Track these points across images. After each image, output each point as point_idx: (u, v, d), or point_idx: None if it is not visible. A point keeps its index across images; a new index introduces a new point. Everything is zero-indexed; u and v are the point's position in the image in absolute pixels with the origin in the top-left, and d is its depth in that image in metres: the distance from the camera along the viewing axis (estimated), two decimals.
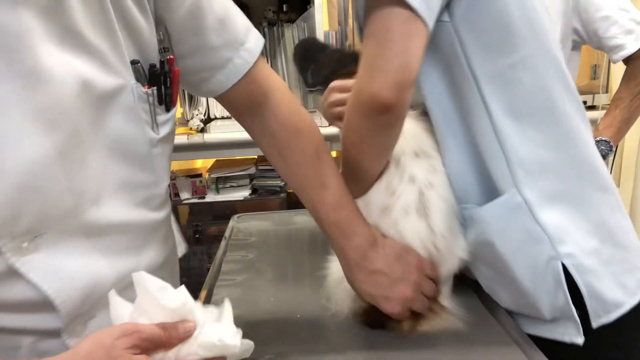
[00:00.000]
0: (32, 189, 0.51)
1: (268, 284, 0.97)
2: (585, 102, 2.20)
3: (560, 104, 0.73)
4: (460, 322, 0.77)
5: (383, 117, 0.66)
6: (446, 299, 0.80)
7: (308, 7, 2.10)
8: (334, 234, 0.75)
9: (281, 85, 0.79)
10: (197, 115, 2.12)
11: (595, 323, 0.73)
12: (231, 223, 1.36)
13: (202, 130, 2.12)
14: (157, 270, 0.66)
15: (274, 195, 2.28)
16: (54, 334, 0.57)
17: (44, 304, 0.54)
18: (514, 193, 0.72)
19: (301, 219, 1.34)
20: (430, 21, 0.64)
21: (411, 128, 0.80)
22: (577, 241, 0.73)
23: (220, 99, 0.76)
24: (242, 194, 2.27)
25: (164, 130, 0.66)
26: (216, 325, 0.55)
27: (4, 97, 0.48)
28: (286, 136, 0.77)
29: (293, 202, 2.31)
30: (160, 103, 0.65)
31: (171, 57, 0.66)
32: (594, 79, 2.28)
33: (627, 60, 1.39)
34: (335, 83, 0.90)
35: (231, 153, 2.16)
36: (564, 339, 0.75)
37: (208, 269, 1.08)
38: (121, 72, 0.58)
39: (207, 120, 2.15)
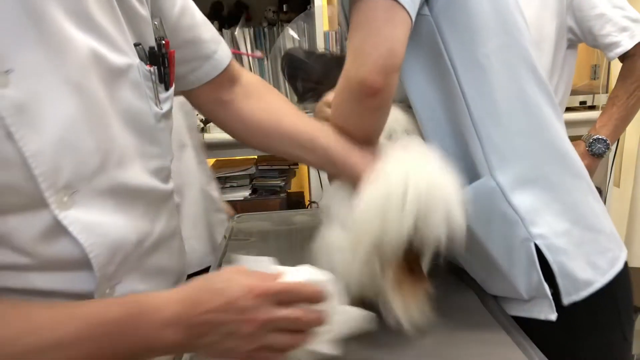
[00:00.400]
0: (68, 144, 0.55)
1: None
2: (585, 102, 2.20)
3: (532, 94, 0.77)
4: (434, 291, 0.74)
5: (371, 101, 0.70)
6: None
7: (308, 7, 2.11)
8: None
9: (249, 75, 0.90)
10: (197, 115, 2.13)
11: (566, 300, 0.77)
12: (231, 223, 1.36)
13: (202, 130, 2.13)
14: (169, 240, 0.73)
15: (274, 195, 2.28)
16: (86, 297, 0.59)
17: (80, 262, 0.57)
18: (488, 177, 0.76)
19: (301, 219, 1.34)
20: (412, 11, 0.68)
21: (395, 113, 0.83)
22: (549, 223, 0.77)
23: (199, 92, 0.84)
24: (242, 194, 2.27)
25: (165, 107, 0.72)
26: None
27: (39, 63, 0.53)
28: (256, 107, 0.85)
29: (293, 202, 2.32)
30: (160, 82, 0.70)
31: (167, 40, 0.72)
32: (594, 79, 2.28)
33: (623, 58, 1.40)
34: (329, 97, 0.92)
35: (231, 153, 2.17)
36: (540, 317, 0.78)
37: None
38: (127, 52, 0.64)
39: (207, 120, 2.16)
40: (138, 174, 0.65)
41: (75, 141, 0.56)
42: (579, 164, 0.82)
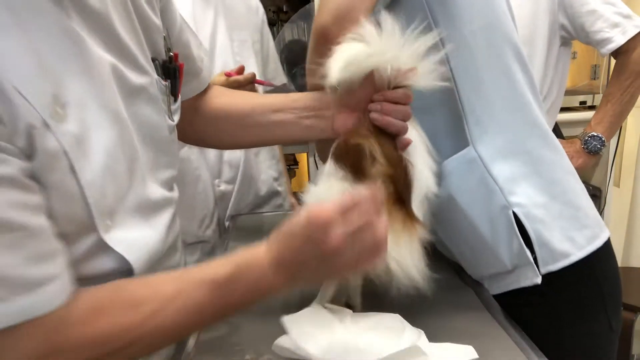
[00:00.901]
0: (110, 170, 0.57)
1: None
2: (585, 102, 2.20)
3: (515, 72, 0.80)
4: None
5: (323, 48, 0.71)
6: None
7: (308, 6, 2.12)
8: None
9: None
10: None
11: (543, 270, 0.79)
12: (231, 223, 1.37)
13: None
14: (177, 240, 0.76)
15: None
16: None
17: (121, 273, 0.60)
18: (470, 149, 0.80)
19: None
20: None
21: None
22: (527, 194, 0.80)
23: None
24: None
25: (176, 118, 0.75)
26: None
27: (84, 91, 0.55)
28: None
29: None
30: (171, 94, 0.73)
31: (176, 52, 0.75)
32: (594, 79, 2.27)
33: (616, 55, 1.40)
34: None
35: None
36: (526, 284, 0.81)
37: None
38: (147, 69, 0.66)
39: None
40: (154, 187, 0.68)
41: (114, 166, 0.58)
42: (559, 144, 0.85)
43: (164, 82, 0.70)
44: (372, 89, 0.73)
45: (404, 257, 0.69)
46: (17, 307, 0.48)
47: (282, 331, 0.75)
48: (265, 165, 1.48)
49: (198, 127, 0.87)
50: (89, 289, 0.54)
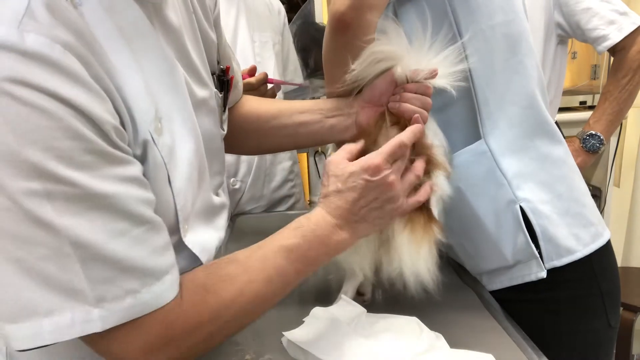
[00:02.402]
0: (190, 178, 0.61)
1: None
2: (585, 102, 2.20)
3: (526, 69, 0.80)
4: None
5: (341, 36, 0.71)
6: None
7: (301, 7, 2.12)
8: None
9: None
10: None
11: (547, 265, 0.80)
12: (231, 223, 1.37)
13: None
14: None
15: None
16: None
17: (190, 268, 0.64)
18: (481, 142, 0.80)
19: None
20: None
21: None
22: (534, 190, 0.80)
23: None
24: None
25: (226, 127, 0.80)
26: None
27: (172, 106, 0.59)
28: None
29: None
30: (223, 105, 0.78)
31: (228, 66, 0.80)
32: (594, 79, 2.28)
33: (613, 52, 1.40)
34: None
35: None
36: (531, 279, 0.81)
37: None
38: (208, 83, 0.71)
39: None
40: (210, 192, 0.71)
41: (192, 174, 0.62)
42: (566, 144, 0.86)
43: (220, 95, 0.75)
44: (393, 84, 0.74)
45: (421, 266, 0.70)
46: (149, 297, 0.51)
47: (281, 333, 0.75)
48: (281, 167, 1.50)
49: (228, 133, 0.89)
50: (183, 275, 0.57)
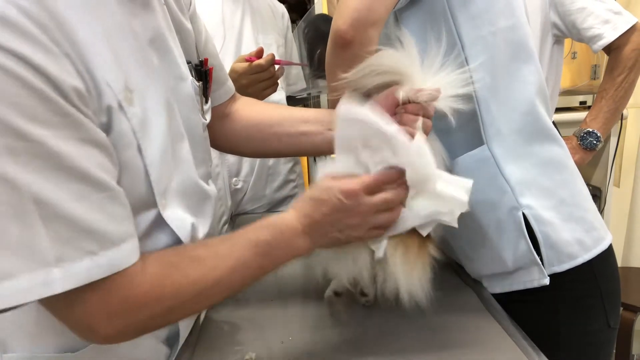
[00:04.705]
0: (165, 153, 0.63)
1: (270, 284, 0.98)
2: (585, 102, 2.20)
3: (527, 75, 0.80)
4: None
5: (343, 52, 0.72)
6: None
7: (308, 7, 2.14)
8: None
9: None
10: None
11: (547, 271, 0.79)
12: (231, 223, 1.39)
13: None
14: (214, 231, 0.80)
15: None
16: None
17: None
18: (484, 147, 0.80)
19: None
20: None
21: None
22: (536, 196, 0.79)
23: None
24: None
25: (208, 117, 0.81)
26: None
27: (143, 81, 0.60)
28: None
29: None
30: (203, 95, 0.79)
31: (206, 58, 0.81)
32: (594, 79, 2.27)
33: (608, 51, 1.40)
34: None
35: None
36: (533, 285, 0.81)
37: None
38: (183, 71, 0.72)
39: None
40: (194, 175, 0.73)
41: (166, 148, 0.63)
42: (567, 149, 0.85)
43: (197, 83, 0.76)
44: (395, 103, 0.72)
45: (415, 286, 0.71)
46: (106, 260, 0.51)
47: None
48: (283, 167, 1.51)
49: (230, 134, 0.92)
50: (152, 251, 0.59)
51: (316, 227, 0.67)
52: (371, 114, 0.66)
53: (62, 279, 0.48)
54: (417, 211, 0.69)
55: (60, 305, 0.52)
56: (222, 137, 0.92)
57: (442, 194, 0.67)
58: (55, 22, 0.49)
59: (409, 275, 0.70)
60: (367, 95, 0.73)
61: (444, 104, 0.70)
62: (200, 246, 0.64)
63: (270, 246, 0.64)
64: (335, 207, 0.66)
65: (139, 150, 0.58)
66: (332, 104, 0.82)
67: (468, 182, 0.69)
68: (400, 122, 0.69)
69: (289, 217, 0.67)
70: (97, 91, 0.53)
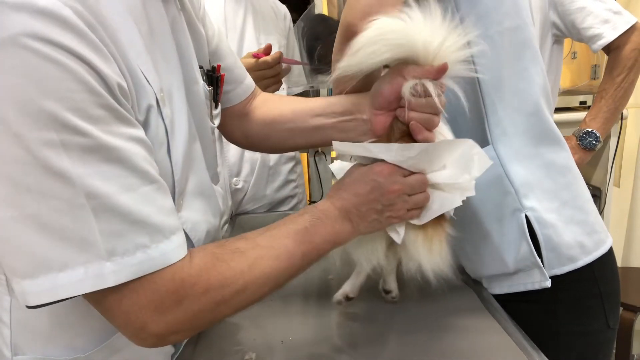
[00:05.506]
0: (186, 154, 0.64)
1: None
2: (585, 102, 2.20)
3: (532, 76, 0.80)
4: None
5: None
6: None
7: (308, 7, 2.14)
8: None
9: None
10: None
11: (548, 272, 0.80)
12: (232, 222, 1.39)
13: None
14: (218, 231, 0.80)
15: None
16: None
17: None
18: (489, 148, 0.80)
19: None
20: None
21: None
22: (540, 199, 0.80)
23: (226, 109, 0.91)
24: None
25: (216, 122, 0.83)
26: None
27: (171, 84, 0.63)
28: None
29: None
30: (213, 100, 0.80)
31: (219, 64, 0.83)
32: (594, 79, 2.28)
33: (608, 51, 1.40)
34: None
35: None
36: (534, 287, 0.81)
37: None
38: (197, 74, 0.74)
39: None
40: (206, 174, 0.74)
41: (188, 152, 0.65)
42: (569, 151, 0.86)
43: (207, 88, 0.77)
44: (399, 91, 0.70)
45: (437, 261, 0.71)
46: (158, 253, 0.52)
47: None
48: (284, 167, 1.51)
49: (249, 132, 0.92)
50: (194, 247, 0.59)
51: (354, 210, 0.67)
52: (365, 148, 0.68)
53: (115, 272, 0.49)
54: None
55: (110, 300, 0.51)
56: (241, 135, 0.93)
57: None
58: (101, 24, 0.50)
59: (429, 253, 0.71)
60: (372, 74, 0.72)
61: (456, 70, 0.68)
62: (239, 239, 0.62)
63: (309, 233, 0.64)
64: (371, 187, 0.66)
65: (168, 150, 0.59)
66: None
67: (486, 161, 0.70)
68: (408, 107, 0.68)
69: (324, 203, 0.68)
70: (137, 91, 0.54)
